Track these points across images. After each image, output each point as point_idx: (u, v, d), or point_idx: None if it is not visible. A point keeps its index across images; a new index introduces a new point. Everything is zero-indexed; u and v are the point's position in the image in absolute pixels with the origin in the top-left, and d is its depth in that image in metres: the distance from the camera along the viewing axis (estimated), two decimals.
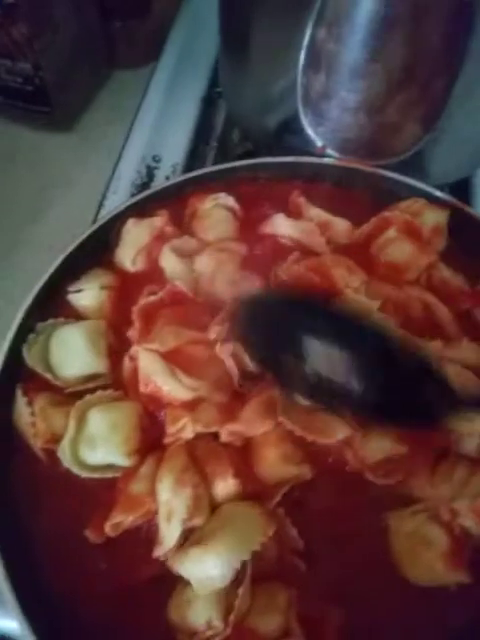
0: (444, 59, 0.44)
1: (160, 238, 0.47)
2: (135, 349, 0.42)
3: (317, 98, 0.51)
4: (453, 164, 0.57)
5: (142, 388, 0.41)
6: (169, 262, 0.46)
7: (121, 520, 0.38)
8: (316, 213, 0.49)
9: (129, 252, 0.47)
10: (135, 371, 0.41)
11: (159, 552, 0.37)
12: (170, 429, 0.40)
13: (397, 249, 0.47)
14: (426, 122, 0.50)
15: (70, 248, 0.46)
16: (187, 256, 0.46)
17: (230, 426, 0.39)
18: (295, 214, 0.49)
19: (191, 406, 0.40)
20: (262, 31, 0.52)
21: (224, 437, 0.39)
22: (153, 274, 0.46)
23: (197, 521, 0.37)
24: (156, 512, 0.38)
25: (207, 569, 0.34)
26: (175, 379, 0.40)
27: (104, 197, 0.63)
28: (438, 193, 0.49)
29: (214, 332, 0.41)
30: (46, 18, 0.61)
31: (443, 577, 0.37)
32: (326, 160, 0.51)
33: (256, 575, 0.36)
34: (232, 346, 0.40)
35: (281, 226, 0.47)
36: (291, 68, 0.50)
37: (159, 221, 0.47)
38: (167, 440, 0.40)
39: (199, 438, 0.39)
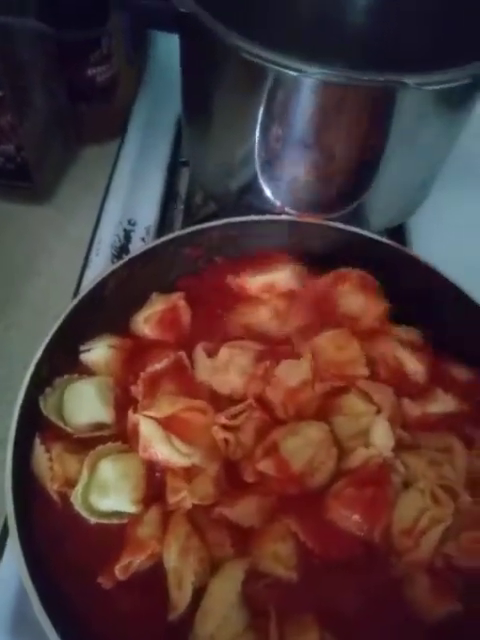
0: (374, 134, 0.55)
1: (172, 310, 0.53)
2: (136, 416, 0.45)
3: (272, 165, 0.60)
4: (388, 214, 0.67)
5: (142, 453, 0.44)
6: (200, 360, 0.50)
7: (129, 562, 0.41)
8: (258, 281, 0.55)
9: (143, 314, 0.53)
10: (136, 427, 0.45)
11: (173, 616, 0.40)
12: (171, 499, 0.43)
13: (352, 301, 0.53)
14: (363, 182, 0.60)
15: (69, 307, 0.51)
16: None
17: (226, 511, 0.42)
18: (242, 294, 0.55)
19: (188, 474, 0.43)
20: (221, 109, 0.61)
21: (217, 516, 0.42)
22: (159, 341, 0.52)
23: (204, 581, 0.40)
24: (160, 554, 0.41)
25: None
26: (171, 446, 0.43)
27: (88, 259, 0.69)
28: (381, 238, 0.58)
29: (221, 419, 0.45)
30: (27, 105, 0.69)
31: (437, 609, 0.40)
32: (285, 217, 0.59)
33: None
34: (224, 435, 0.44)
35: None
36: (248, 139, 0.59)
37: (175, 296, 0.54)
38: (169, 508, 0.43)
39: (199, 508, 0.43)
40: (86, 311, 0.52)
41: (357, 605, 0.41)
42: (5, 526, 0.52)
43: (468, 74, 0.48)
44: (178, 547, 0.40)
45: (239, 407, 0.45)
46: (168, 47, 0.91)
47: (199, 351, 0.50)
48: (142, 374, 0.48)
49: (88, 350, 0.52)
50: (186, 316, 0.54)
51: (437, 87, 0.48)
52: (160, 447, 0.43)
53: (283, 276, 0.55)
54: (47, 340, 0.49)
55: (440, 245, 0.68)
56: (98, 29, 0.74)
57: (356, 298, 0.53)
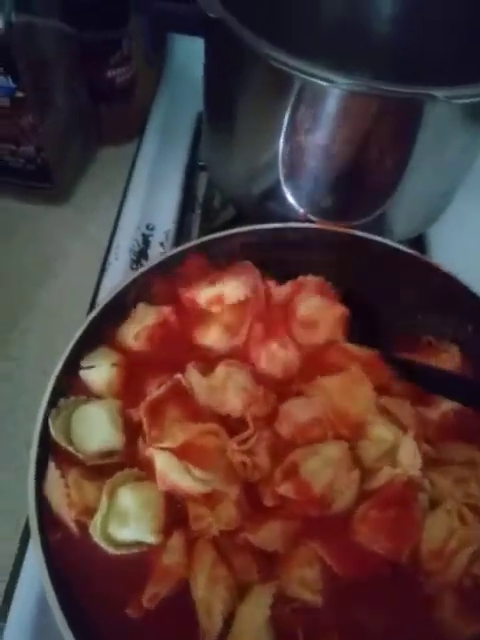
0: (400, 144, 0.54)
1: (163, 325, 0.51)
2: (150, 451, 0.44)
3: (296, 172, 0.60)
4: (411, 223, 0.67)
5: (160, 485, 0.42)
6: (194, 380, 0.48)
7: (157, 591, 0.40)
8: (207, 294, 0.51)
9: (132, 329, 0.51)
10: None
11: None
12: (194, 526, 0.42)
13: (309, 305, 0.52)
14: (387, 191, 0.59)
15: (88, 320, 0.49)
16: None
17: (251, 537, 0.41)
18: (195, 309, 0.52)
19: (210, 500, 0.42)
20: (245, 114, 0.60)
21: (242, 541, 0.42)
22: (151, 357, 0.50)
23: (233, 607, 0.40)
24: (187, 579, 0.41)
25: None
26: (189, 475, 0.42)
27: (106, 263, 0.69)
28: (402, 247, 0.57)
29: (234, 442, 0.44)
30: (48, 106, 0.69)
31: (464, 630, 0.40)
32: (308, 225, 0.59)
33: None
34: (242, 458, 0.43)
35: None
36: (273, 145, 0.58)
37: (166, 310, 0.51)
38: (194, 535, 0.42)
39: (223, 533, 0.42)
40: (105, 322, 0.51)
41: (384, 627, 0.40)
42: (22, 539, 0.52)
43: None
44: (205, 577, 0.40)
45: (247, 433, 0.44)
46: (187, 49, 0.92)
47: (192, 371, 0.47)
48: (142, 404, 0.46)
49: (91, 367, 0.49)
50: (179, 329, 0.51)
51: (467, 100, 0.47)
52: (178, 477, 0.42)
53: (229, 287, 0.52)
54: (66, 354, 0.47)
55: (460, 253, 0.68)
56: (119, 30, 0.74)
57: (313, 301, 0.52)
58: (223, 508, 0.42)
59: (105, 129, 0.84)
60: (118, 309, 0.52)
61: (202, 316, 0.52)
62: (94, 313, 0.50)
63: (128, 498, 0.42)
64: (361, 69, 0.50)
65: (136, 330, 0.51)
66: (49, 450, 0.45)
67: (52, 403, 0.46)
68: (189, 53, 0.90)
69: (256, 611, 0.39)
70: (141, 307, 0.53)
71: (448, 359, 0.54)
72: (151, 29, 0.82)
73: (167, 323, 0.51)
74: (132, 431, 0.46)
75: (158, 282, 0.54)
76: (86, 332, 0.49)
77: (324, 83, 0.48)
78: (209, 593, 0.40)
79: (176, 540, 0.42)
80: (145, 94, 0.87)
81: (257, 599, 0.39)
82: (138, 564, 0.41)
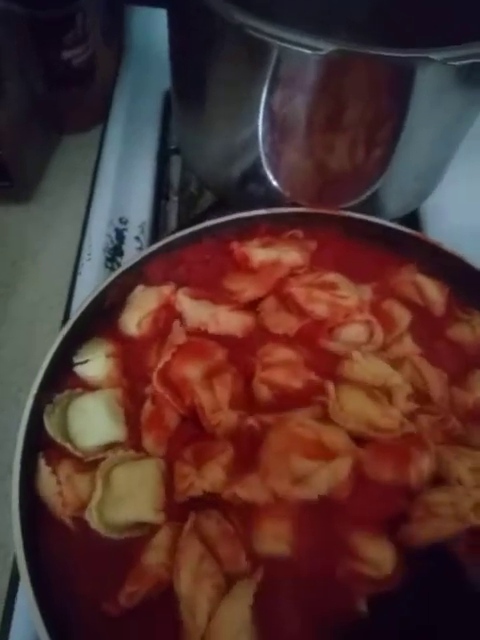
0: (391, 114, 0.49)
1: (166, 307, 0.48)
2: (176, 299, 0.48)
3: (278, 151, 0.55)
4: (404, 200, 0.63)
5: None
6: (186, 305, 0.48)
7: (135, 590, 0.38)
8: (263, 254, 0.51)
9: (135, 317, 0.48)
10: (155, 414, 0.43)
11: None
12: (180, 485, 0.40)
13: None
14: (377, 168, 0.55)
15: (74, 317, 0.46)
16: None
17: (239, 490, 0.39)
18: (243, 266, 0.52)
19: (198, 458, 0.40)
20: (219, 91, 0.55)
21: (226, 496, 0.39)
22: (156, 339, 0.47)
23: (218, 604, 0.37)
24: (169, 582, 0.38)
25: None
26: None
27: (78, 264, 0.63)
28: (395, 225, 0.53)
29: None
30: (1, 98, 0.63)
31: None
32: (296, 209, 0.54)
33: None
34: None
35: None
36: (250, 121, 0.53)
37: (167, 290, 0.49)
38: (177, 498, 0.40)
39: (208, 517, 0.39)
40: (85, 324, 0.47)
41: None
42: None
43: None
44: (190, 573, 0.37)
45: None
46: (148, 22, 0.85)
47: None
48: (154, 374, 0.43)
49: (85, 362, 0.46)
50: (181, 307, 0.49)
51: (464, 62, 0.43)
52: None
53: (291, 255, 0.51)
54: (46, 364, 0.44)
55: (454, 226, 0.65)
56: (71, 5, 0.68)
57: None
58: (209, 469, 0.39)
59: (66, 116, 0.78)
60: (97, 312, 0.48)
61: (238, 268, 0.52)
62: (65, 330, 0.46)
63: (123, 478, 0.40)
64: (342, 35, 0.45)
65: (139, 317, 0.48)
66: (36, 453, 0.42)
67: (32, 424, 0.42)
68: (150, 27, 0.83)
69: (237, 608, 0.36)
70: (139, 291, 0.50)
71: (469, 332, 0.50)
72: (107, 2, 0.75)
73: (169, 305, 0.49)
74: (134, 420, 0.44)
75: (154, 262, 0.51)
76: (63, 344, 0.46)
77: (307, 51, 0.43)
78: (194, 590, 0.36)
79: (163, 536, 0.39)
80: (106, 75, 0.80)
81: (238, 593, 0.36)
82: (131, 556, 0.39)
